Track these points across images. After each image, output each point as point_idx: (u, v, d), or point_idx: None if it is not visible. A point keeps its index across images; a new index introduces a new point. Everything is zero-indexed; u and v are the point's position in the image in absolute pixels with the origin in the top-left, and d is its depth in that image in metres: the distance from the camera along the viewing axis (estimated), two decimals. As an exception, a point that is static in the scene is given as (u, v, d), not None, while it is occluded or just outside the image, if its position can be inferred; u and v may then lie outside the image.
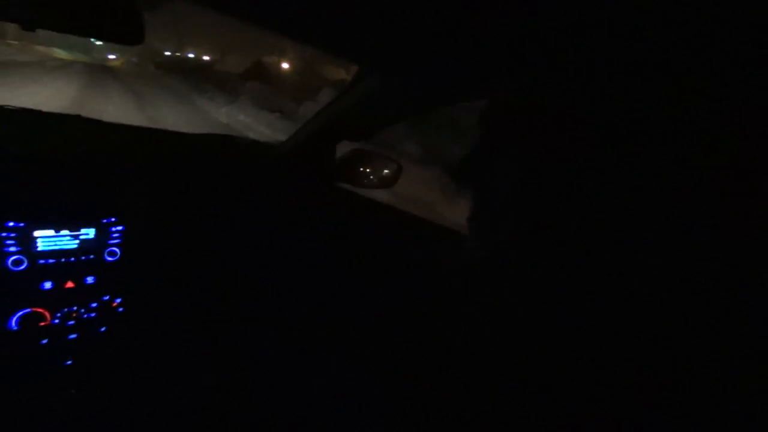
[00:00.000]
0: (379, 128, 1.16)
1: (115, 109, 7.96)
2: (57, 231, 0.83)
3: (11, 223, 0.78)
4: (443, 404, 0.42)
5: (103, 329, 0.91)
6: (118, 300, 0.92)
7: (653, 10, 0.33)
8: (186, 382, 0.98)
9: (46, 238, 0.82)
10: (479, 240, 0.48)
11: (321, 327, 1.04)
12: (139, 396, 0.94)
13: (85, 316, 0.88)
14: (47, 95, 8.00)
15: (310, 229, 1.19)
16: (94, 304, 0.89)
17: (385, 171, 1.25)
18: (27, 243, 0.80)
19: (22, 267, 0.80)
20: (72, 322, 0.87)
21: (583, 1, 0.35)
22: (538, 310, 0.38)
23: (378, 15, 0.56)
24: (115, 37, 0.77)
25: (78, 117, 1.03)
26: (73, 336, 0.87)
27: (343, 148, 1.23)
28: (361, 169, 1.24)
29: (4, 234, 0.77)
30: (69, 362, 0.88)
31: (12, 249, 0.79)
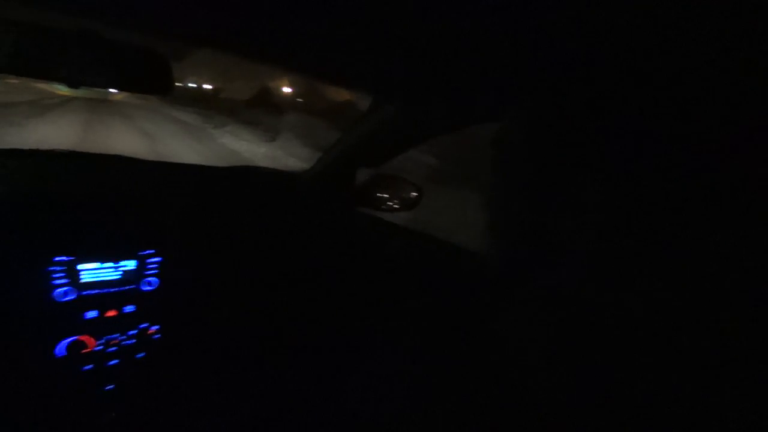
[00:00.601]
0: (398, 153, 1.25)
1: (120, 145, 8.18)
2: (100, 263, 0.91)
3: (58, 258, 0.86)
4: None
5: (141, 355, 0.97)
6: (155, 327, 0.99)
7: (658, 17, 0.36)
8: (221, 407, 1.03)
9: (89, 271, 0.90)
10: (500, 262, 0.51)
11: (350, 351, 1.09)
12: (176, 420, 0.99)
13: (125, 343, 0.95)
14: (49, 133, 8.29)
15: (335, 255, 1.26)
16: (134, 332, 0.96)
17: (406, 195, 1.32)
18: (72, 275, 0.88)
19: (68, 298, 0.87)
20: (113, 349, 0.93)
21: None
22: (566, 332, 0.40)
23: (395, 47, 0.63)
24: (149, 90, 0.87)
25: (113, 156, 1.13)
26: (114, 362, 0.94)
27: (363, 173, 1.32)
28: (382, 193, 1.32)
29: (51, 268, 0.85)
30: (110, 387, 0.94)
31: (59, 281, 0.86)
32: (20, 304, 0.84)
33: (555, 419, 0.37)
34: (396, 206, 1.32)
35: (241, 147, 10.33)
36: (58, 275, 0.86)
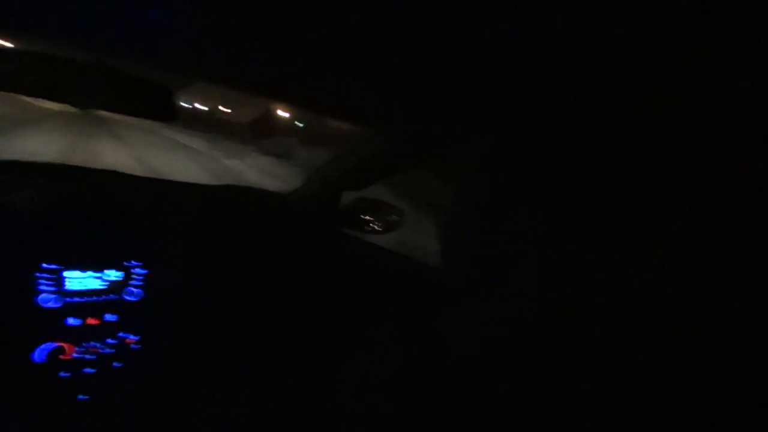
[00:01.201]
0: (382, 179, 1.34)
1: (107, 160, 8.20)
2: (84, 272, 0.96)
3: (44, 265, 0.91)
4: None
5: (118, 365, 1.00)
6: (135, 338, 1.03)
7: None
8: (197, 422, 1.05)
9: (74, 279, 0.95)
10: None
11: (330, 372, 1.13)
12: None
13: (104, 351, 0.98)
14: (34, 149, 8.27)
15: (318, 276, 1.32)
16: (113, 341, 1.00)
17: (388, 218, 1.41)
18: (57, 282, 0.93)
19: (50, 304, 0.92)
20: (91, 357, 0.97)
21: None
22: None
23: (391, 83, 0.71)
24: (152, 116, 0.96)
25: (102, 170, 1.21)
26: (90, 370, 0.97)
27: (347, 197, 1.40)
28: (365, 216, 1.40)
29: (37, 274, 0.90)
30: (84, 397, 0.97)
31: (43, 287, 0.91)
32: (3, 308, 0.88)
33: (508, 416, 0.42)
34: (378, 229, 1.40)
35: (233, 167, 10.45)
36: (42, 281, 0.91)
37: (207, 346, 1.13)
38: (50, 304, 0.92)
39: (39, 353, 0.91)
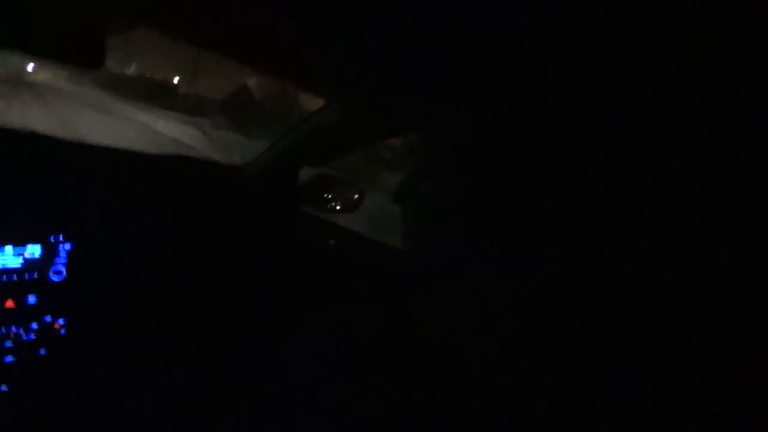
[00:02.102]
0: (341, 154, 1.31)
1: (36, 125, 7.56)
2: (0, 247, 0.87)
3: None
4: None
5: (42, 352, 0.93)
6: (61, 321, 0.95)
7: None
8: (127, 410, 1.00)
9: None
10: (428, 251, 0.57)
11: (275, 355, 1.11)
12: (76, 424, 0.95)
13: (25, 337, 0.90)
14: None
15: (272, 253, 1.28)
16: (35, 326, 0.91)
17: (348, 196, 1.38)
18: None
19: None
20: (9, 344, 0.88)
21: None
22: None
23: (354, 49, 0.69)
24: (75, 59, 0.86)
25: (31, 133, 1.08)
26: (9, 359, 0.88)
27: (306, 173, 1.36)
28: (325, 194, 1.37)
29: None
30: (3, 388, 0.89)
31: None
32: None
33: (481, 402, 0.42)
34: (338, 207, 1.38)
35: (176, 134, 9.92)
36: None
37: (140, 329, 1.07)
38: None
39: None
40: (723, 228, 0.38)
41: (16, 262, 0.89)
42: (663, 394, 0.39)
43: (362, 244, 1.37)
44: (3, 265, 0.87)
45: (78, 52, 0.81)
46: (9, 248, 0.88)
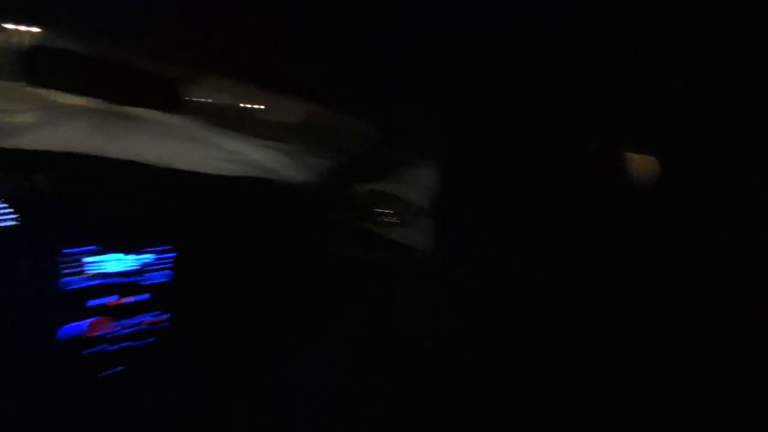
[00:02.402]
0: (395, 172, 1.44)
1: (132, 153, 8.52)
2: (123, 254, 1.10)
3: (89, 248, 1.05)
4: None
5: (149, 340, 1.14)
6: (165, 317, 1.16)
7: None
8: (215, 402, 1.17)
9: (114, 261, 1.09)
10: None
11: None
12: (173, 407, 1.14)
13: (137, 328, 1.12)
14: (57, 142, 8.64)
15: (330, 263, 1.43)
16: (146, 318, 1.13)
17: (402, 212, 1.50)
18: (100, 263, 1.06)
19: (94, 282, 1.06)
20: (126, 332, 1.10)
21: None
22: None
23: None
24: (158, 107, 1.05)
25: (130, 161, 1.34)
26: (124, 344, 1.10)
27: (361, 189, 1.50)
28: (380, 210, 1.50)
29: (83, 256, 1.04)
30: (118, 369, 1.10)
31: (88, 267, 1.05)
32: (50, 284, 1.01)
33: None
34: (392, 222, 1.50)
35: (254, 157, 10.75)
36: (87, 262, 1.05)
37: (226, 328, 1.26)
38: (94, 282, 1.05)
39: (80, 326, 1.04)
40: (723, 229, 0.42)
41: (134, 266, 1.11)
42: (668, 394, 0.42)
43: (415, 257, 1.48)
44: (124, 268, 1.10)
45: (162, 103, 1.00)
46: (129, 255, 1.11)
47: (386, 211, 1.50)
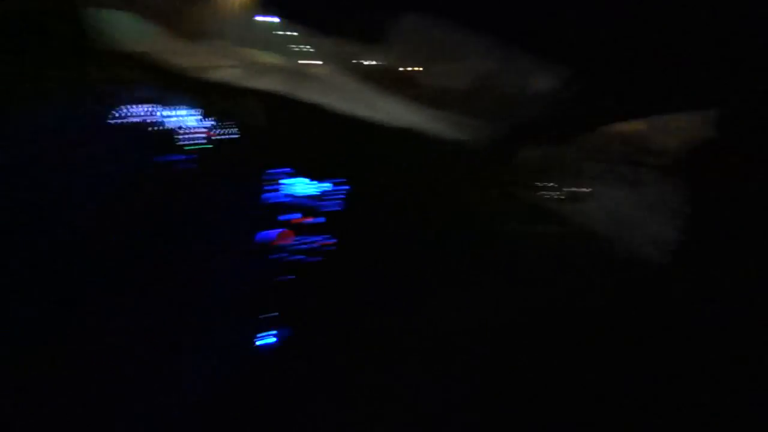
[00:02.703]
0: (568, 138, 1.31)
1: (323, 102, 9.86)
2: (309, 180, 1.26)
3: (286, 170, 1.23)
4: None
5: (318, 258, 1.30)
6: (333, 240, 1.31)
7: None
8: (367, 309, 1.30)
9: (303, 184, 1.27)
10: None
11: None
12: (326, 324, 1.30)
13: (310, 245, 1.29)
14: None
15: (482, 230, 1.41)
16: (318, 238, 1.30)
17: (571, 185, 1.36)
18: (292, 185, 1.24)
19: (287, 199, 1.25)
20: (303, 246, 1.29)
21: None
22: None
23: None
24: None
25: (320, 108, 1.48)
26: (299, 257, 1.29)
27: (529, 152, 1.41)
28: (545, 180, 1.39)
29: (281, 177, 1.22)
30: (291, 276, 1.29)
31: (283, 186, 1.24)
32: (250, 200, 1.22)
33: None
34: (557, 196, 1.37)
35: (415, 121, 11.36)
36: (283, 182, 1.23)
37: (384, 259, 1.36)
38: (283, 199, 1.24)
39: (271, 234, 1.24)
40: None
41: (316, 191, 1.27)
42: None
43: (586, 237, 1.35)
44: (309, 192, 1.26)
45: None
46: (314, 181, 1.27)
47: (557, 184, 1.38)
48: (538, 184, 1.40)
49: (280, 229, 1.26)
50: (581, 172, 1.38)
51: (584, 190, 1.33)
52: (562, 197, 1.37)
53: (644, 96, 1.03)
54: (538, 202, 1.43)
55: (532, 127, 1.34)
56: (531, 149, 1.41)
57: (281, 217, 1.26)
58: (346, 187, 1.31)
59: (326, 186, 1.29)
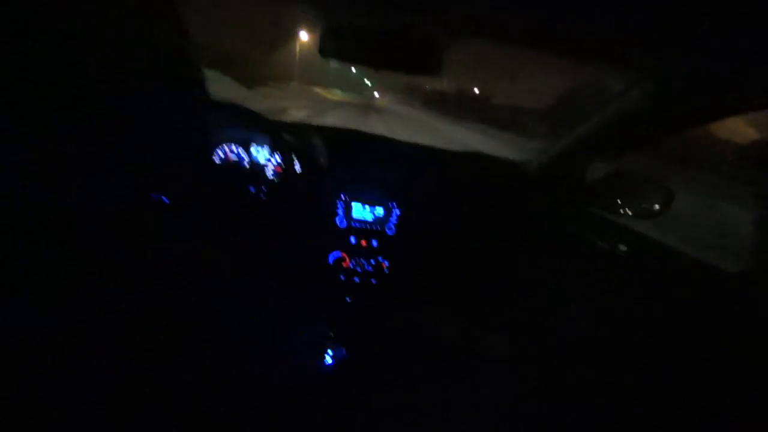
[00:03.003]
0: (641, 146, 1.18)
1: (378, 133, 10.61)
2: (363, 205, 1.33)
3: (342, 195, 1.31)
4: None
5: (374, 281, 1.35)
6: (387, 263, 1.35)
7: None
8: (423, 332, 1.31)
9: (358, 208, 1.33)
10: None
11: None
12: (383, 344, 1.34)
13: (366, 268, 1.35)
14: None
15: (546, 248, 1.34)
16: (373, 261, 1.35)
17: (648, 200, 1.22)
18: (347, 209, 1.32)
19: (343, 224, 1.33)
20: (359, 269, 1.35)
21: None
22: None
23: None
24: (415, 67, 1.14)
25: (381, 137, 1.55)
26: (356, 279, 1.35)
27: (596, 169, 1.31)
28: (617, 195, 1.26)
29: (338, 202, 1.31)
30: (348, 299, 1.36)
31: (340, 211, 1.32)
32: (314, 224, 1.32)
33: None
34: (633, 212, 1.24)
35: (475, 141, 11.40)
36: (339, 207, 1.32)
37: (437, 283, 1.37)
38: (341, 224, 1.32)
39: (331, 257, 1.33)
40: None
41: (370, 216, 1.33)
42: None
43: (662, 253, 1.22)
44: (363, 216, 1.33)
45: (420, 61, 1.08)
46: (367, 206, 1.33)
47: (625, 197, 1.26)
48: (617, 201, 1.30)
49: (338, 254, 1.34)
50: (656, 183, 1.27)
51: (651, 201, 1.21)
52: (633, 211, 1.26)
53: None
54: (614, 219, 1.33)
55: (605, 139, 1.27)
56: (604, 164, 1.34)
57: (338, 242, 1.34)
58: (398, 212, 1.34)
59: (379, 210, 1.34)
